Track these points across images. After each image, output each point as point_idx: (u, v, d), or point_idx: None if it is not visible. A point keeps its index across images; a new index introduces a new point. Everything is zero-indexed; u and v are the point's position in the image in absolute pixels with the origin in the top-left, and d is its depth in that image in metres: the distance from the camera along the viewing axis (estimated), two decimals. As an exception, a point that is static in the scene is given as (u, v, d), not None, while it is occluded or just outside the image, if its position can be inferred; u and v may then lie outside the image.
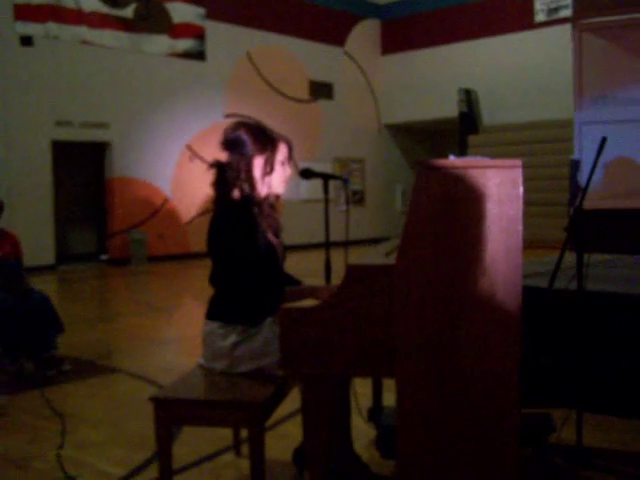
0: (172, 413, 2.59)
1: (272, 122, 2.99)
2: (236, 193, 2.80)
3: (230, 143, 2.82)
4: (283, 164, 2.87)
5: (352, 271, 2.21)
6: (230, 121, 2.99)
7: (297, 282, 2.98)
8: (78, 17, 12.64)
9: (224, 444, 3.42)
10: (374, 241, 15.73)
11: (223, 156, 2.86)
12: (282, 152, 2.86)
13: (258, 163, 2.81)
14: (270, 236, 2.85)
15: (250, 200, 2.79)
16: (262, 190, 2.83)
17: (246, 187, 2.78)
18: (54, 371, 4.92)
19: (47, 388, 4.58)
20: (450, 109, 16.67)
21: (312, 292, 2.74)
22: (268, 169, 2.82)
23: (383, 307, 2.17)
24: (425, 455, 2.19)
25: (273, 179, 2.85)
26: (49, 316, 5.01)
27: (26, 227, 11.09)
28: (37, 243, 11.76)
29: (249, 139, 2.80)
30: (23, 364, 4.98)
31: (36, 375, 4.88)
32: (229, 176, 2.79)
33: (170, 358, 5.64)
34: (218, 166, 2.84)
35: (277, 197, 2.96)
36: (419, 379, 2.17)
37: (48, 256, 12.35)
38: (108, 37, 13.10)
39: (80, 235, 14.43)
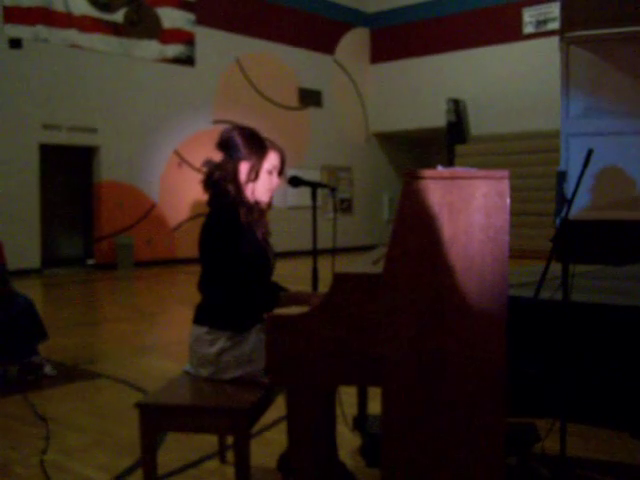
0: (157, 419, 2.59)
1: (260, 129, 2.99)
2: (225, 195, 2.81)
3: (223, 144, 2.85)
4: (270, 173, 2.86)
5: (339, 279, 2.21)
6: (218, 127, 3.01)
7: (284, 290, 2.98)
8: (68, 20, 12.60)
9: (209, 451, 3.42)
10: (366, 248, 15.75)
11: (214, 158, 2.88)
12: (270, 161, 2.86)
13: (244, 168, 2.82)
14: (262, 240, 2.85)
15: (238, 203, 2.80)
16: (249, 195, 2.84)
17: (232, 189, 2.80)
18: (33, 376, 4.88)
19: (31, 393, 4.56)
20: (438, 118, 16.76)
21: (299, 299, 2.75)
22: (252, 176, 2.82)
23: (370, 315, 2.17)
24: (410, 464, 2.20)
25: (257, 187, 2.85)
26: (33, 322, 4.95)
27: (12, 230, 11.02)
28: (23, 246, 11.71)
29: (240, 143, 2.81)
30: (6, 368, 4.94)
31: (19, 380, 4.85)
32: (218, 176, 2.81)
33: (156, 364, 5.62)
34: (209, 165, 2.86)
35: (269, 206, 2.97)
36: (405, 388, 2.17)
37: (34, 260, 12.28)
38: (98, 41, 13.07)
39: (67, 239, 14.35)
